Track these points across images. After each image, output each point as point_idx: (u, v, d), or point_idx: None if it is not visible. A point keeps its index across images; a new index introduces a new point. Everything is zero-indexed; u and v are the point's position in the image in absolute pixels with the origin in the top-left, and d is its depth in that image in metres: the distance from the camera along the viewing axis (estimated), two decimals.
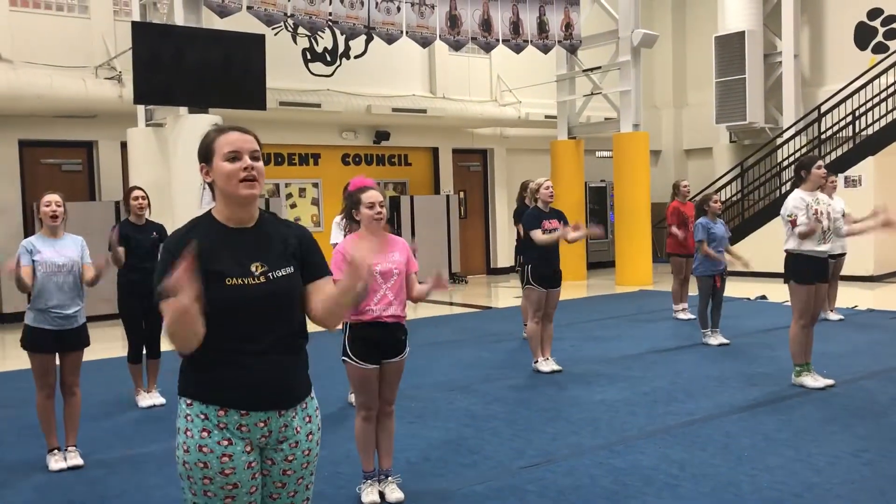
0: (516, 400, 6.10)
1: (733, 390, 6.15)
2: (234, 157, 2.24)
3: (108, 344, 8.46)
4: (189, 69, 9.40)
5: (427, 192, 15.44)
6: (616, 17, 13.81)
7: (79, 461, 4.78)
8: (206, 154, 2.29)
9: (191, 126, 9.50)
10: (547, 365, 6.96)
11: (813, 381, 6.02)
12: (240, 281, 2.20)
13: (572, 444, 4.97)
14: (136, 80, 9.33)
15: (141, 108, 10.57)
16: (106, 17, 11.82)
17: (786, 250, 5.97)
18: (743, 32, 15.40)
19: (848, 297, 10.65)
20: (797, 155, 14.50)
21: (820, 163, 5.90)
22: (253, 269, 2.23)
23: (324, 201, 14.27)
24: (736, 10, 15.68)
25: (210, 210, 2.34)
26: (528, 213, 6.96)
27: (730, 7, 15.78)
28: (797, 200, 5.85)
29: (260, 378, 2.20)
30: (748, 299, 11.13)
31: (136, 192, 6.35)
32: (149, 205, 6.31)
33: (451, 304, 12.43)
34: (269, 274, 2.24)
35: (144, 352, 6.27)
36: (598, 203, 16.90)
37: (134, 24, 9.69)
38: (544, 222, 6.83)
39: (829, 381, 6.04)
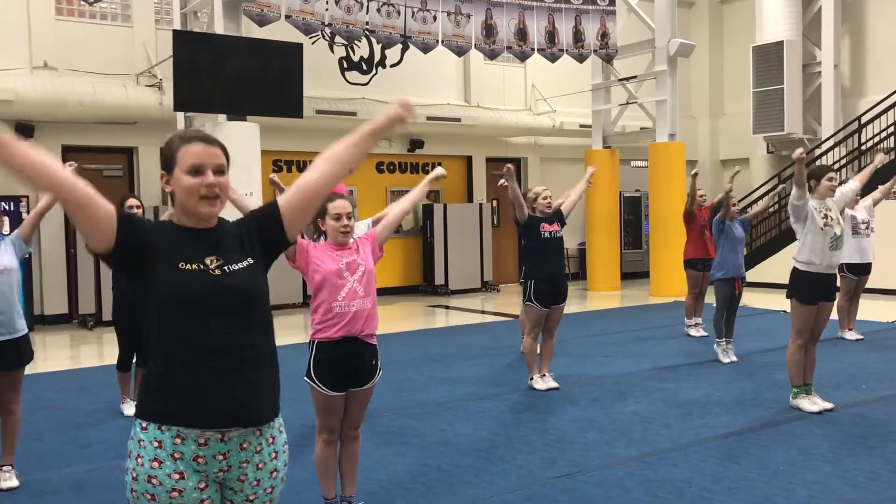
0: (548, 409, 6.08)
1: (769, 403, 6.06)
2: (197, 170, 2.09)
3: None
4: (228, 77, 9.55)
5: (460, 200, 15.47)
6: (653, 26, 13.75)
7: (13, 483, 4.51)
8: (167, 163, 2.14)
9: (229, 133, 9.63)
10: (543, 382, 6.67)
11: (810, 404, 5.75)
12: (194, 266, 2.06)
13: (605, 454, 4.94)
14: (177, 87, 9.49)
15: (180, 115, 10.74)
16: (148, 25, 12.05)
17: (795, 261, 5.74)
18: (781, 42, 15.23)
19: (885, 311, 10.45)
20: (836, 166, 14.29)
21: (831, 175, 5.73)
22: (208, 261, 2.09)
23: (358, 208, 14.34)
24: (774, 20, 15.50)
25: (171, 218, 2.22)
26: (527, 222, 6.63)
27: (768, 17, 15.61)
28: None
29: (219, 391, 2.05)
30: (785, 312, 10.96)
31: (131, 202, 5.94)
32: (143, 213, 6.13)
33: (483, 312, 12.42)
34: (225, 267, 2.10)
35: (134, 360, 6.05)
36: (633, 213, 16.79)
37: (175, 32, 9.86)
38: (543, 225, 6.53)
39: (828, 405, 5.73)
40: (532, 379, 6.73)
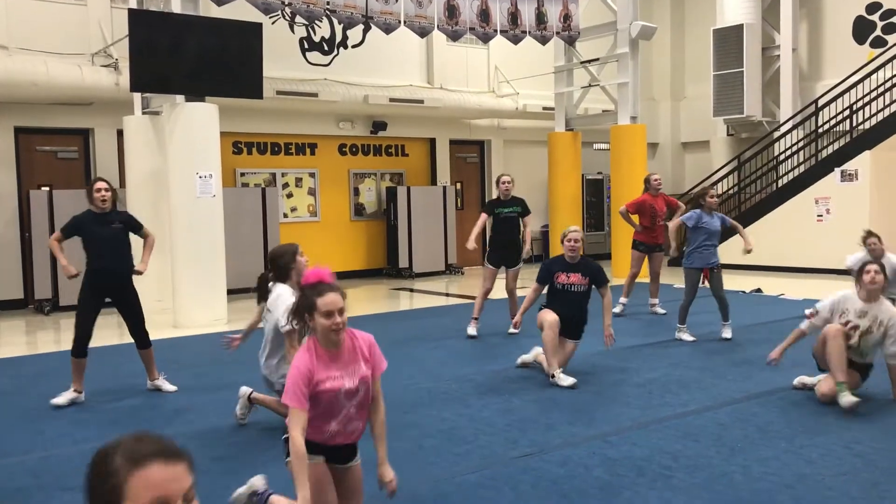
0: (510, 390, 6.11)
1: (728, 383, 6.17)
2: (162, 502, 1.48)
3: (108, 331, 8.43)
4: (186, 57, 9.36)
5: (424, 182, 15.43)
6: (615, 8, 13.79)
7: None
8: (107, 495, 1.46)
9: (187, 114, 9.48)
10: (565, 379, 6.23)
11: (847, 400, 5.38)
12: None
13: (566, 434, 4.99)
14: (133, 67, 9.29)
15: (137, 96, 10.52)
16: (103, 4, 11.76)
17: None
18: (741, 26, 15.38)
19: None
20: (794, 148, 14.52)
21: (870, 267, 5.32)
22: None
23: (320, 191, 14.25)
24: (734, 4, 15.66)
25: None
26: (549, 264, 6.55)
27: (728, 0, 15.76)
28: (838, 301, 5.50)
29: None
30: (743, 292, 11.16)
31: (99, 185, 5.89)
32: (113, 198, 5.96)
33: (448, 294, 12.44)
34: None
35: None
36: (595, 195, 16.91)
37: (131, 11, 9.64)
38: (558, 275, 6.37)
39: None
40: (553, 376, 6.22)
